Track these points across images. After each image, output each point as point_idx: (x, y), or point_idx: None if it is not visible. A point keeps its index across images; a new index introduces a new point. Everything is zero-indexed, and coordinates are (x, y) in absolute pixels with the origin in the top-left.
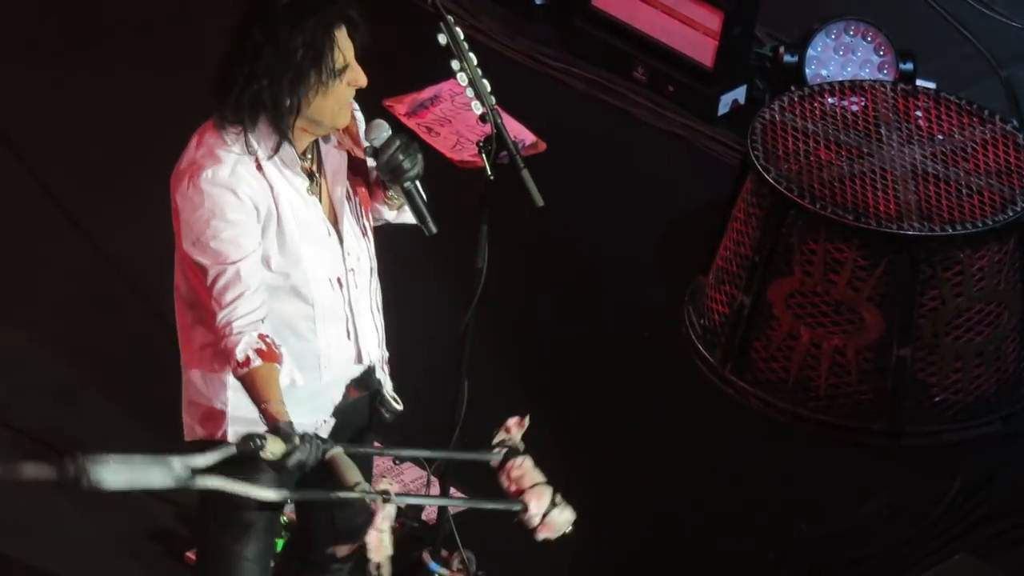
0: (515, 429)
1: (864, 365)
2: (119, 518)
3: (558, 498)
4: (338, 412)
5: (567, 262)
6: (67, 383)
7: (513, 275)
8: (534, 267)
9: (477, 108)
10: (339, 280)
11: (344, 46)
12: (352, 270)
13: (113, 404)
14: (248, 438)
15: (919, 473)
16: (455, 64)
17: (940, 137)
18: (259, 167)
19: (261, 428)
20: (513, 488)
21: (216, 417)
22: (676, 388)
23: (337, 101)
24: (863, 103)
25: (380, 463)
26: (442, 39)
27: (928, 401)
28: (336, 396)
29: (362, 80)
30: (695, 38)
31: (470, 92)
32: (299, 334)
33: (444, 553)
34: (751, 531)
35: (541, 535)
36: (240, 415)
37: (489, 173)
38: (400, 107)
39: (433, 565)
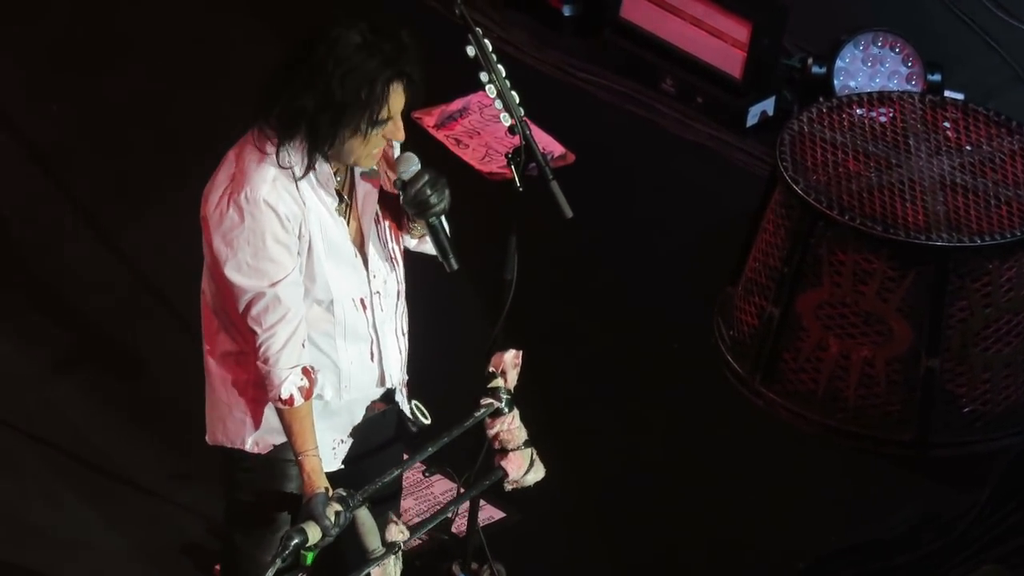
0: (511, 370)
1: (893, 376)
2: (147, 530)
3: (534, 456)
4: (357, 431)
5: (595, 273)
6: (97, 395)
7: (542, 287)
8: (563, 279)
9: (506, 120)
10: (363, 301)
11: (395, 101)
12: (378, 293)
13: (143, 415)
14: (289, 537)
15: (947, 484)
16: (484, 76)
17: (968, 148)
18: (296, 185)
19: (279, 440)
20: (497, 446)
21: (237, 424)
22: (705, 399)
23: (369, 148)
24: (891, 114)
25: (409, 476)
26: (471, 51)
27: (956, 412)
28: (356, 417)
29: (400, 136)
30: (724, 49)
31: (499, 104)
32: (319, 347)
33: (474, 566)
34: (779, 542)
35: (509, 488)
36: (260, 425)
37: (518, 185)
38: (429, 119)
39: None
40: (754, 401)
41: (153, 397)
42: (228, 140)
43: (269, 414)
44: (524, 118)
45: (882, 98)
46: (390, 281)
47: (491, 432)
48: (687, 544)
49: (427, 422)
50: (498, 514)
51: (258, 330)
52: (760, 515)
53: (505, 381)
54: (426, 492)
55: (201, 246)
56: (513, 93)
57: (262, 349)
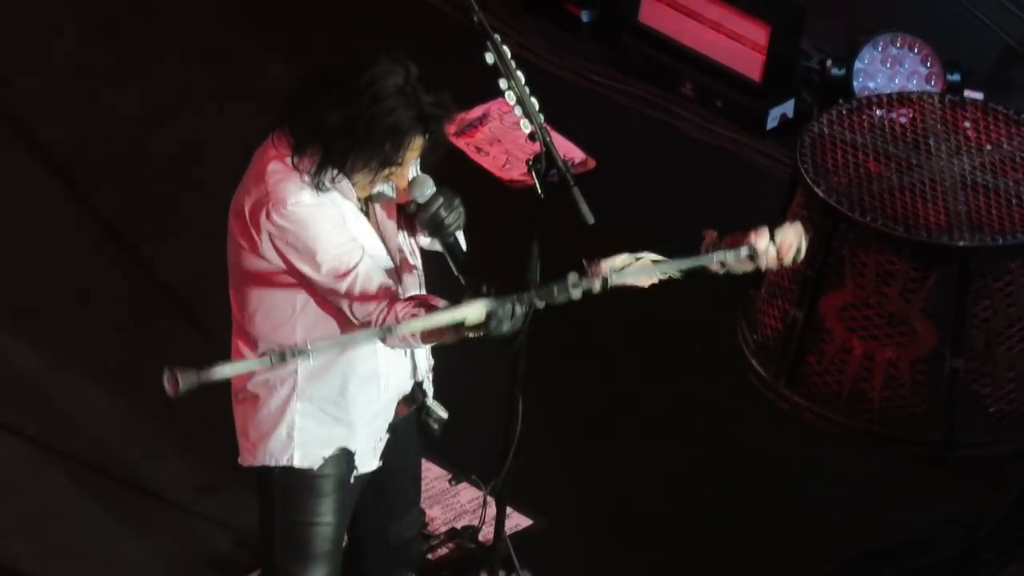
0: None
1: (917, 377)
2: (175, 543)
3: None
4: (390, 429)
5: None
6: (121, 407)
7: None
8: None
9: (526, 127)
10: None
11: (411, 152)
12: (402, 285)
13: (167, 428)
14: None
15: (974, 485)
16: (503, 83)
17: (988, 147)
18: (324, 193)
19: (327, 451)
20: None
21: (282, 443)
22: (730, 403)
23: (369, 181)
24: (911, 115)
25: (435, 486)
26: (489, 58)
27: (982, 412)
28: (391, 414)
29: (402, 183)
30: (742, 52)
31: (518, 111)
32: (358, 352)
33: (502, 574)
34: (807, 544)
35: (787, 258)
36: (306, 439)
37: (539, 192)
38: (449, 127)
39: None
40: (779, 404)
41: (179, 410)
42: (249, 153)
43: (314, 426)
44: (544, 124)
45: (901, 99)
46: (413, 277)
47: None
48: (713, 549)
49: (444, 415)
50: (525, 522)
51: (373, 305)
52: (787, 518)
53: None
54: (452, 501)
55: (221, 261)
56: (532, 99)
57: (379, 316)
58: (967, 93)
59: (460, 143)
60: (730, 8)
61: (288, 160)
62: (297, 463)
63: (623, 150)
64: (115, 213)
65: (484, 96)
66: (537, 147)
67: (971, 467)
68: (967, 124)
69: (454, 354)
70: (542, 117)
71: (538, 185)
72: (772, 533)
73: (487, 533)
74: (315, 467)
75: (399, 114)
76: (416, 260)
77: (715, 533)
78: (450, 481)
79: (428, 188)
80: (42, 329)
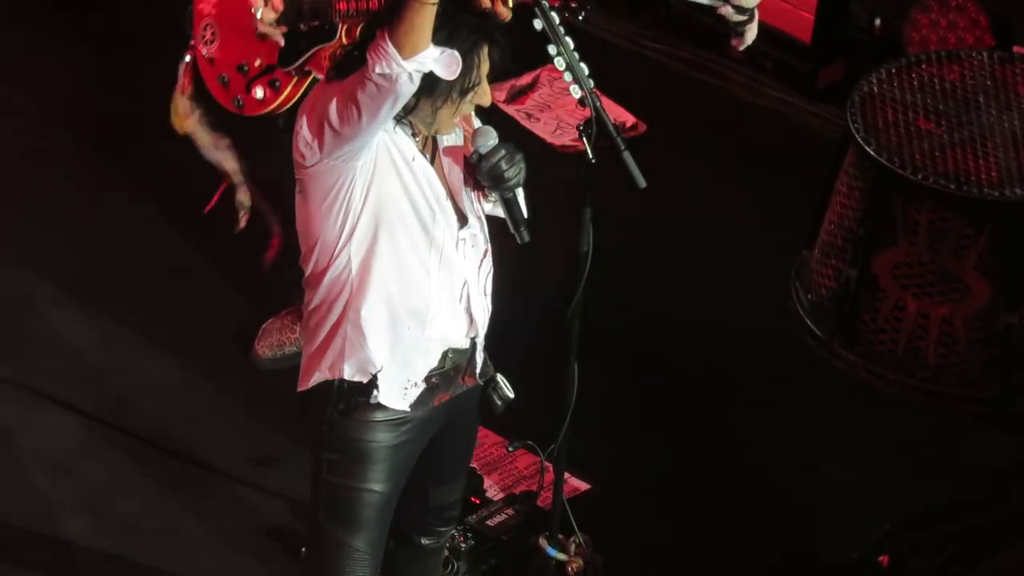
0: None
1: (972, 333)
2: (234, 516)
3: None
4: (444, 408)
5: (670, 242)
6: (175, 381)
7: (617, 257)
8: (637, 248)
9: (576, 92)
10: (455, 244)
11: (482, 67)
12: (463, 239)
13: (222, 401)
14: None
15: None
16: (552, 49)
17: None
18: None
19: (372, 370)
20: None
21: (336, 355)
22: (785, 363)
23: (456, 114)
24: (960, 72)
25: (492, 451)
26: (538, 24)
27: None
28: (432, 361)
29: (486, 100)
30: (792, 13)
31: (568, 76)
32: (412, 278)
33: (560, 537)
34: (863, 503)
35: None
36: (355, 356)
37: (590, 157)
38: (499, 94)
39: (550, 550)
40: (834, 364)
41: (234, 383)
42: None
43: (358, 346)
44: (594, 89)
45: (951, 56)
46: (477, 235)
47: None
48: (768, 509)
49: (511, 395)
50: (583, 486)
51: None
52: (846, 477)
53: None
54: (510, 467)
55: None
56: (582, 65)
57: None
58: (1016, 49)
59: (510, 110)
60: None
61: None
62: (348, 375)
63: (673, 113)
64: (165, 188)
65: (534, 63)
66: (587, 112)
67: None
68: (1016, 80)
69: (513, 320)
70: (592, 82)
71: (589, 150)
72: (829, 492)
73: (546, 498)
74: (364, 381)
75: (452, 40)
76: (484, 229)
77: (769, 494)
78: (507, 448)
79: (491, 139)
80: (97, 304)
